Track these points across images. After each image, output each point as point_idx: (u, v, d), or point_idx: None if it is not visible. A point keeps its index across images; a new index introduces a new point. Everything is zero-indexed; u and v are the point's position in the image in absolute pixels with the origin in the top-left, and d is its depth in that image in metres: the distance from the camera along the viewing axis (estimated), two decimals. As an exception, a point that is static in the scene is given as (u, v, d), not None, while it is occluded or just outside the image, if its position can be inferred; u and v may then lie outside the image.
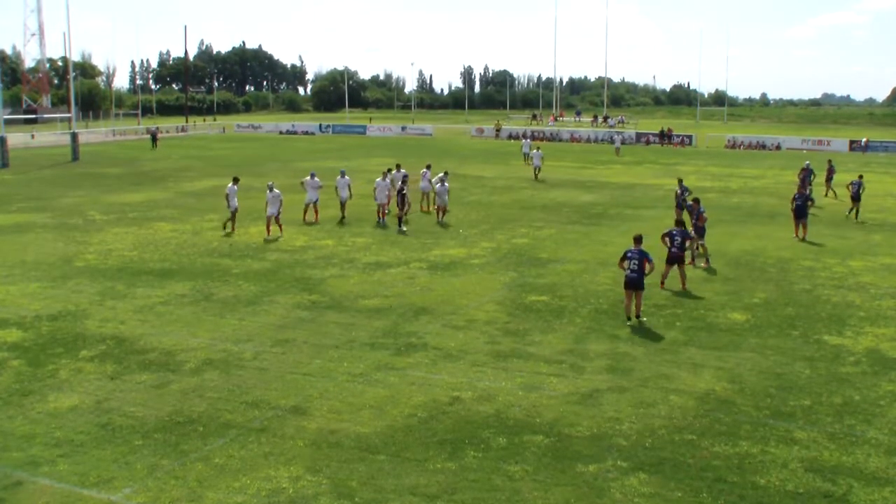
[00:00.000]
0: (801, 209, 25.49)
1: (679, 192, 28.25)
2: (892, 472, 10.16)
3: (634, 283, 16.31)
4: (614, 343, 15.12)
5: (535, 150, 43.22)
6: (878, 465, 10.33)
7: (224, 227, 26.41)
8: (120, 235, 25.83)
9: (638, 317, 16.44)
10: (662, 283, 19.12)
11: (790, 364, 14.07)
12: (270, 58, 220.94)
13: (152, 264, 21.57)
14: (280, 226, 25.65)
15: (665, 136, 75.91)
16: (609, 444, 10.82)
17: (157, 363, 13.85)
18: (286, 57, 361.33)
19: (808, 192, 27.93)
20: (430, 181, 31.30)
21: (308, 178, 28.77)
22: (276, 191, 25.29)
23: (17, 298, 18.01)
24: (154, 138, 67.42)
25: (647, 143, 76.14)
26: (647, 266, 16.22)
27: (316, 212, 28.43)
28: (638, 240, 16.74)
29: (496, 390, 12.69)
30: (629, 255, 16.39)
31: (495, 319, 16.56)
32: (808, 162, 34.73)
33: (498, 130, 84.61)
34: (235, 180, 26.79)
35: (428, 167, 32.93)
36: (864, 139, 71.29)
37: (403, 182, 28.89)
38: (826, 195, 36.07)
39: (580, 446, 10.76)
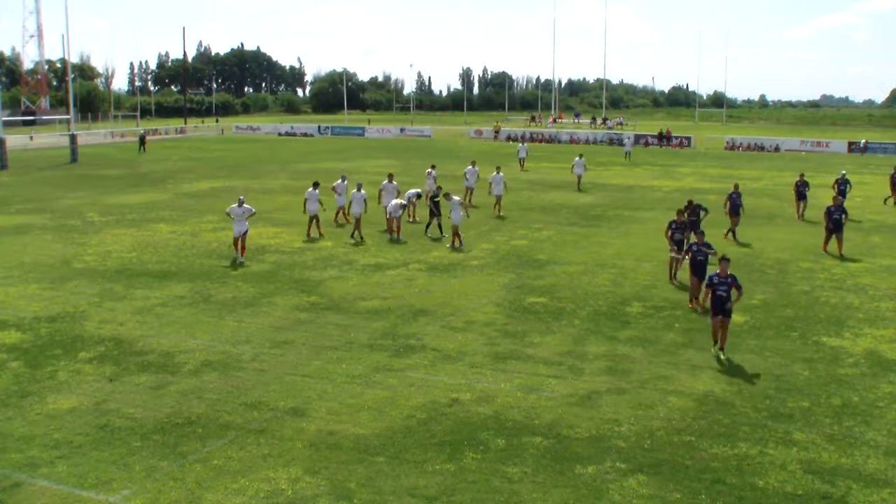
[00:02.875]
0: (838, 222, 23.67)
1: (733, 197, 25.78)
2: (890, 474, 10.17)
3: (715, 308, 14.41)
4: (613, 344, 15.12)
5: (576, 158, 40.72)
6: (877, 467, 10.34)
7: (308, 234, 25.61)
8: (119, 237, 25.82)
9: (721, 348, 14.55)
10: (692, 301, 17.64)
11: (789, 365, 14.08)
12: (269, 59, 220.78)
13: (151, 266, 21.56)
14: (244, 247, 22.22)
15: (664, 138, 75.94)
16: (608, 446, 10.83)
17: (156, 365, 13.86)
18: (285, 58, 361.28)
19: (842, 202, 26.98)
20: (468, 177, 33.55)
21: (339, 181, 28.56)
22: (246, 206, 22.20)
23: (16, 300, 18.01)
24: (142, 141, 64.54)
25: (646, 144, 76.16)
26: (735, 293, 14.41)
27: (345, 216, 27.49)
28: (723, 261, 14.66)
29: (495, 392, 12.69)
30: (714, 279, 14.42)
31: (494, 321, 16.57)
32: (843, 171, 33.72)
33: (497, 132, 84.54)
34: (315, 185, 25.98)
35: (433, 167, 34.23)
36: (862, 141, 71.25)
37: (438, 189, 27.22)
38: (886, 202, 34.59)
39: (579, 448, 10.76)
